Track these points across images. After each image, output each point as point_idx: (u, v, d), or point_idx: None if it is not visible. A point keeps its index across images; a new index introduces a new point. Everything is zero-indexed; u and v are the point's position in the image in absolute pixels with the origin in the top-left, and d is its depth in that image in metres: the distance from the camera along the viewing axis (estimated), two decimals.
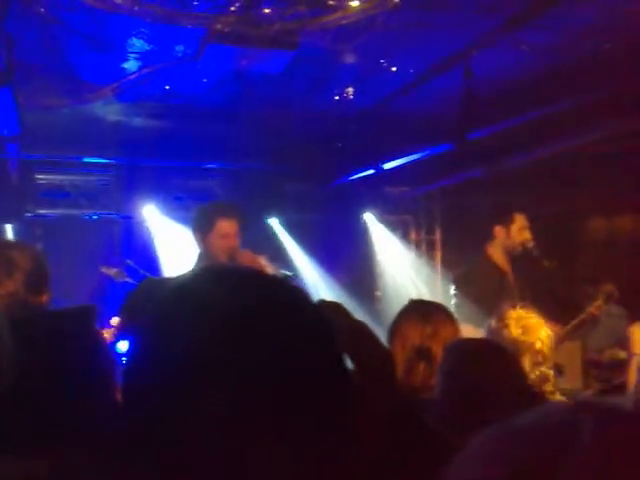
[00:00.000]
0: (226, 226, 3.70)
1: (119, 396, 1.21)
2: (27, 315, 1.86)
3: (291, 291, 0.86)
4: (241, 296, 0.81)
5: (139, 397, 0.79)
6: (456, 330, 2.70)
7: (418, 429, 1.53)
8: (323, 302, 1.80)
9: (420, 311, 2.71)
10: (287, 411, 0.75)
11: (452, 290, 4.66)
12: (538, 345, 2.71)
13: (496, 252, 4.51)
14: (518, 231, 4.45)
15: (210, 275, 0.89)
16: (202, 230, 3.76)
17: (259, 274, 0.93)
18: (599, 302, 4.42)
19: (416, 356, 2.56)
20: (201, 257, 3.77)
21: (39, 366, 1.23)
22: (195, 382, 0.75)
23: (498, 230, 4.49)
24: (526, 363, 2.65)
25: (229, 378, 0.75)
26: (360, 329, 1.84)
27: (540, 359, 2.71)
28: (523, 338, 2.71)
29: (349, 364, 1.83)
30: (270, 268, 3.78)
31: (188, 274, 0.95)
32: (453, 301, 4.55)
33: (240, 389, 0.74)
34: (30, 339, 1.25)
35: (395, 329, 2.66)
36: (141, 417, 0.78)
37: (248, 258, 3.69)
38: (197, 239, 3.81)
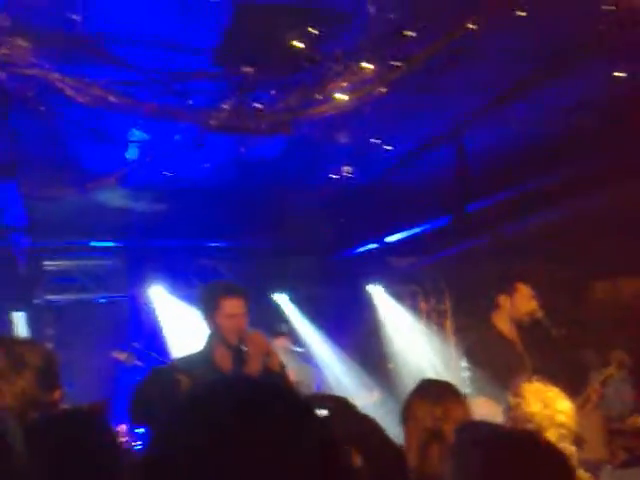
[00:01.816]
0: (231, 305, 3.67)
1: None
2: (39, 420, 1.87)
3: (291, 403, 0.94)
4: (244, 412, 0.90)
5: None
6: (466, 410, 2.67)
7: None
8: (331, 397, 1.80)
9: (430, 392, 2.68)
10: None
11: (464, 363, 4.59)
12: (561, 418, 2.66)
13: (502, 321, 4.48)
14: (522, 300, 4.42)
15: (218, 388, 0.98)
16: (208, 310, 3.77)
17: (263, 387, 1.00)
18: (611, 370, 4.38)
19: (429, 439, 2.54)
20: (211, 337, 3.77)
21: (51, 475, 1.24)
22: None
23: (503, 299, 4.47)
24: (551, 438, 2.57)
25: None
26: (369, 427, 1.84)
27: (565, 432, 2.64)
28: (545, 412, 2.66)
29: (359, 462, 1.82)
30: (283, 349, 3.74)
31: (199, 386, 1.08)
32: (466, 374, 4.47)
33: None
34: (42, 448, 1.27)
35: (407, 412, 2.65)
36: None
37: (257, 340, 3.67)
38: (205, 319, 3.82)
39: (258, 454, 0.84)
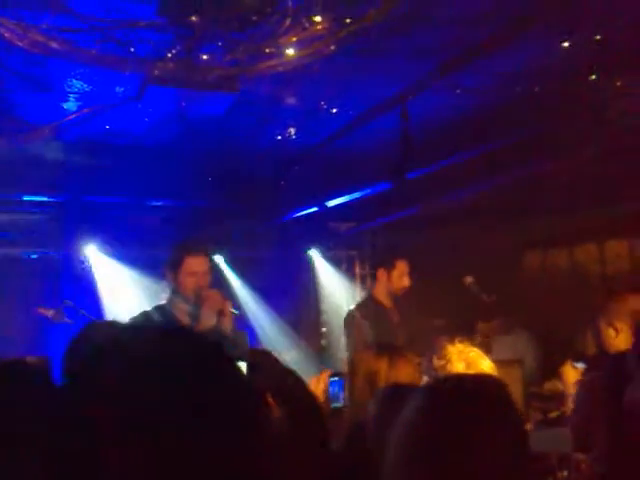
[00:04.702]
0: (194, 263, 3.70)
1: None
2: None
3: (211, 353, 0.95)
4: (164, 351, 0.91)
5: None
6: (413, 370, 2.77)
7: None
8: (254, 350, 1.84)
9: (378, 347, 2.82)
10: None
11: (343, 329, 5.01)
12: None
13: (380, 293, 4.90)
14: (399, 277, 4.81)
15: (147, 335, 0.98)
16: (172, 268, 3.76)
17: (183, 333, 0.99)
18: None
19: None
20: (172, 292, 3.77)
21: None
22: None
23: (380, 274, 4.88)
24: None
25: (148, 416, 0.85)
26: (291, 379, 1.88)
27: None
28: (468, 372, 2.72)
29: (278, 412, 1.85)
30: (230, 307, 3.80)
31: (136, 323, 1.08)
32: (344, 339, 4.96)
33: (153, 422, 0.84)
34: None
35: (353, 364, 2.78)
36: None
37: (214, 297, 3.68)
38: (168, 277, 3.81)
39: (171, 401, 0.85)
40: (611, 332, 3.56)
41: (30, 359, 1.51)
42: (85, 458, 0.83)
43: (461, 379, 1.62)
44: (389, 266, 4.82)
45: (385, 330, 4.60)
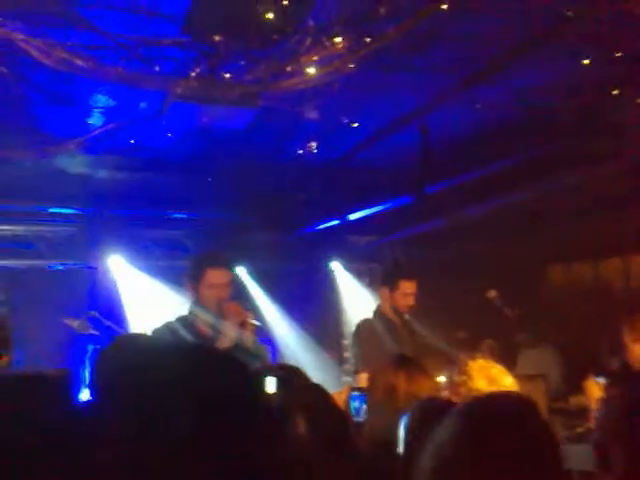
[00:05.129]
0: (215, 276, 3.73)
1: None
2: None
3: (235, 370, 1.02)
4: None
5: None
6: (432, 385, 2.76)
7: None
8: (282, 365, 1.86)
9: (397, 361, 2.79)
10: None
11: (351, 340, 5.08)
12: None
13: (386, 308, 4.88)
14: (401, 296, 4.79)
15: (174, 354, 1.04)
16: (192, 280, 3.80)
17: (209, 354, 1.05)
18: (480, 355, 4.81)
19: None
20: (193, 305, 3.80)
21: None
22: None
23: (383, 292, 4.89)
24: None
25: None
26: (317, 395, 1.89)
27: None
28: (490, 388, 2.71)
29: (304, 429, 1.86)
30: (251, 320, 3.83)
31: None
32: (352, 350, 5.01)
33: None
34: None
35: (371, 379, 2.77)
36: None
37: (234, 309, 3.71)
38: (188, 288, 3.85)
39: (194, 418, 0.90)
40: (637, 348, 3.54)
41: (50, 372, 1.52)
42: (100, 476, 0.86)
43: (495, 401, 1.55)
44: (391, 286, 4.80)
45: (392, 344, 4.57)
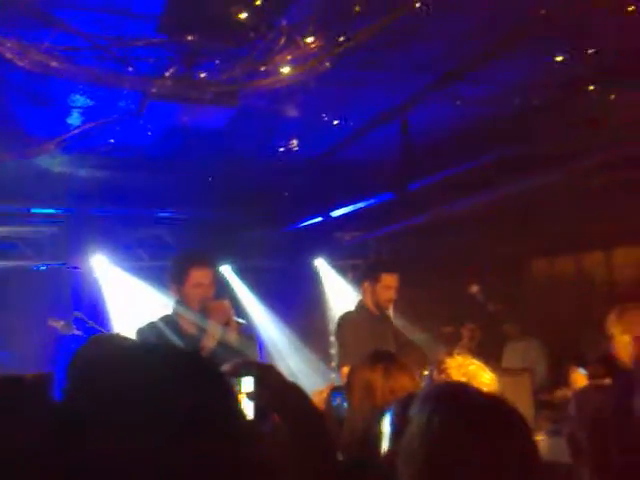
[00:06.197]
0: (199, 276, 3.73)
1: None
2: None
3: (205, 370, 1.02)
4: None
5: None
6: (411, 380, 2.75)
7: None
8: (259, 365, 1.85)
9: (374, 358, 2.77)
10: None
11: (334, 335, 5.09)
12: (484, 390, 2.77)
13: (369, 302, 4.89)
14: (383, 290, 4.82)
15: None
16: (176, 280, 3.79)
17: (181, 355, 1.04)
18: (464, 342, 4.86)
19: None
20: (177, 304, 3.79)
21: None
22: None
23: (365, 286, 4.90)
24: None
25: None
26: (293, 393, 1.89)
27: None
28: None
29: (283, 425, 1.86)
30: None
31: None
32: (336, 344, 5.02)
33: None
34: None
35: (351, 377, 2.75)
36: None
37: (221, 308, 3.71)
38: (172, 288, 3.83)
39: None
40: (626, 339, 3.56)
41: (28, 375, 1.52)
42: (78, 475, 0.86)
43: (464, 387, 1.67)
44: (373, 279, 4.83)
45: (375, 338, 4.59)
